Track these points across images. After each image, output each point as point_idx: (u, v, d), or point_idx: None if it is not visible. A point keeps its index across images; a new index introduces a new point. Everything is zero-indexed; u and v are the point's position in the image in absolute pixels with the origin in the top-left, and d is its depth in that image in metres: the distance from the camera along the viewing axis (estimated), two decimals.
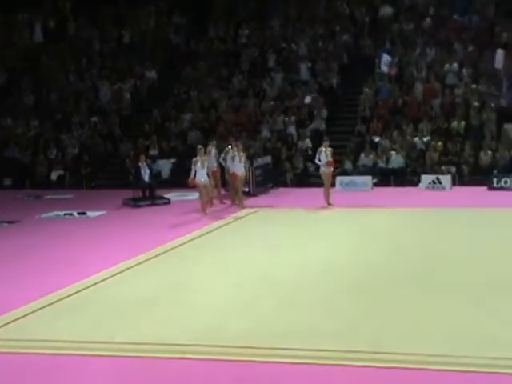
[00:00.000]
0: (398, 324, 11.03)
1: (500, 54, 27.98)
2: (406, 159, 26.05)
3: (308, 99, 28.96)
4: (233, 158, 22.36)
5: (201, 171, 20.91)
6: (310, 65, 30.54)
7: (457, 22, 30.61)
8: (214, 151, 23.01)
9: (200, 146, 22.04)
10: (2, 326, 11.69)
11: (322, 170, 21.87)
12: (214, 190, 22.36)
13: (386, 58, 29.26)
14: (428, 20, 30.83)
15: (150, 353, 10.26)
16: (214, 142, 24.04)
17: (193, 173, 20.95)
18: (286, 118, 28.49)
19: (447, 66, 28.80)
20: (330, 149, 21.83)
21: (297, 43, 31.72)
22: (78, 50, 34.42)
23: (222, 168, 23.19)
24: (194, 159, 21.17)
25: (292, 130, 28.13)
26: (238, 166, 22.27)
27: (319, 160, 21.82)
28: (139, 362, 10.01)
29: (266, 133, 28.30)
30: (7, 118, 31.59)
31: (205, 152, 21.70)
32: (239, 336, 10.71)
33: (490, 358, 9.52)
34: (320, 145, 22.57)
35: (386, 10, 31.91)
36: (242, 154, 22.53)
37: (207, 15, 34.53)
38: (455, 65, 28.71)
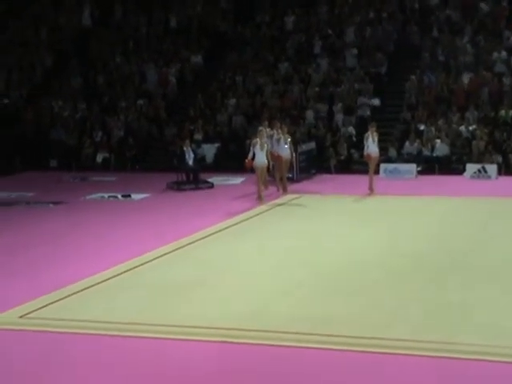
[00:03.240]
0: (438, 314, 11.00)
1: None
2: (451, 147, 25.84)
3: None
4: (278, 140, 22.13)
5: (259, 153, 20.47)
6: (356, 51, 30.38)
7: (506, 9, 30.21)
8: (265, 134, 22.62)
9: (261, 128, 21.77)
10: (49, 304, 11.89)
11: (369, 153, 21.77)
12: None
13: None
14: (477, 7, 30.47)
15: (190, 335, 10.34)
16: (266, 123, 23.72)
17: (251, 154, 20.61)
18: (334, 106, 28.34)
19: (496, 54, 28.46)
20: (376, 134, 21.71)
21: (343, 30, 31.57)
22: (125, 34, 34.63)
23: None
24: (254, 140, 20.80)
25: (339, 117, 28.01)
26: (283, 148, 22.02)
27: (367, 146, 21.72)
28: (179, 345, 10.10)
29: (310, 119, 28.25)
30: (55, 100, 31.91)
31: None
32: (279, 321, 10.77)
33: None
34: (365, 131, 22.50)
35: None
36: (287, 136, 22.38)
37: (254, 1, 34.49)
38: (504, 53, 28.36)
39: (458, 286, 12.37)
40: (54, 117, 31.41)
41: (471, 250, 14.91)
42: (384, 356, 9.48)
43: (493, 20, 29.99)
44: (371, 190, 21.65)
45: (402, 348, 9.67)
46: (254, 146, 20.62)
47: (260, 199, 20.59)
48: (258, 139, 20.67)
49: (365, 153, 22.01)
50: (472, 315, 10.84)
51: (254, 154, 20.59)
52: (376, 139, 21.72)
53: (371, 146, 21.68)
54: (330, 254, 14.71)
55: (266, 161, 20.66)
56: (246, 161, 20.74)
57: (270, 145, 21.95)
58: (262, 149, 20.52)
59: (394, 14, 31.51)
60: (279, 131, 22.37)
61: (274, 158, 21.81)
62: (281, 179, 22.35)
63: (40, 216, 19.87)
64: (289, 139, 22.33)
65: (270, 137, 22.48)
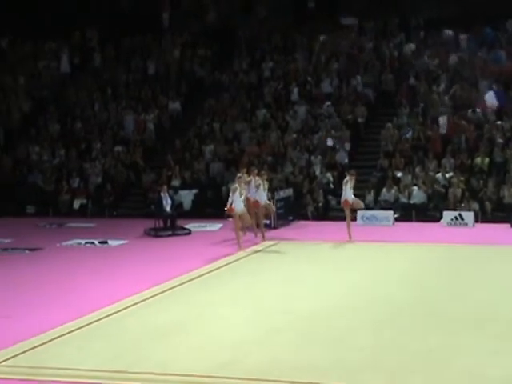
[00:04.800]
0: (418, 360, 10.92)
1: None
2: (428, 195, 25.94)
3: (330, 142, 28.75)
4: (257, 186, 22.06)
5: (238, 200, 20.47)
6: (333, 99, 30.57)
7: (482, 59, 30.56)
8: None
9: (240, 175, 21.81)
10: (19, 354, 11.66)
11: (346, 199, 21.74)
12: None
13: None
14: (453, 56, 30.83)
15: (162, 383, 10.22)
16: (245, 169, 23.56)
17: (230, 201, 20.64)
18: (312, 157, 28.37)
19: (472, 101, 28.68)
20: (353, 180, 21.77)
21: (320, 77, 31.79)
22: (103, 81, 34.73)
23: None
24: (233, 187, 20.86)
25: (316, 164, 28.05)
26: (262, 194, 22.03)
27: (345, 192, 21.72)
28: None
29: (288, 166, 28.30)
30: (32, 146, 31.83)
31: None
32: (255, 369, 10.64)
33: None
34: (343, 178, 22.60)
35: (410, 46, 31.96)
36: (266, 182, 22.42)
37: (232, 47, 34.77)
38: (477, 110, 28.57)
39: (437, 332, 12.30)
40: (31, 163, 31.34)
41: (449, 297, 14.87)
42: None
43: (469, 69, 30.27)
44: (349, 237, 21.65)
45: None
46: (233, 193, 20.62)
47: (239, 246, 20.54)
48: (237, 186, 20.67)
49: (342, 199, 22.04)
50: (451, 362, 10.77)
51: (232, 201, 20.58)
52: (351, 186, 21.75)
53: (348, 193, 21.73)
54: (307, 301, 14.62)
55: (244, 208, 20.68)
56: (227, 208, 20.71)
57: (248, 191, 21.96)
58: (240, 195, 20.53)
59: (371, 62, 31.79)
60: (257, 178, 22.35)
61: (250, 204, 21.81)
62: (258, 225, 22.32)
63: (16, 262, 19.67)
64: (267, 186, 22.38)
65: (248, 183, 22.47)
